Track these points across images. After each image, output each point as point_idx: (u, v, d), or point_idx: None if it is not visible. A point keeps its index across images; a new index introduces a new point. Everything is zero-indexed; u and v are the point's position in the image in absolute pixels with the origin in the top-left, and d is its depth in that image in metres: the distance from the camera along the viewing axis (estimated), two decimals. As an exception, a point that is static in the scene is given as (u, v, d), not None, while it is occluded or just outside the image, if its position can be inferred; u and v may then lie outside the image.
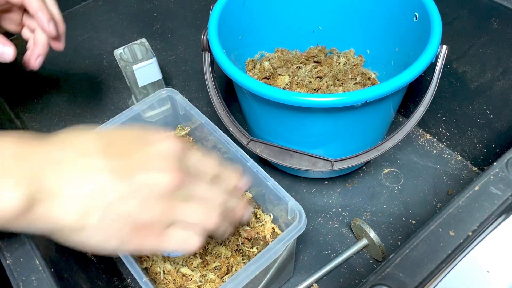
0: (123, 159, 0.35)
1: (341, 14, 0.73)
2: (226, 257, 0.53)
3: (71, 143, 0.35)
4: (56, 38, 0.60)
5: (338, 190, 0.72)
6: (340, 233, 0.67)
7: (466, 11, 0.62)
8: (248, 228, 0.55)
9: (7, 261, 0.41)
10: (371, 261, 0.64)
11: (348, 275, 0.63)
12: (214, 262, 0.53)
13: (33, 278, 0.40)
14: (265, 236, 0.55)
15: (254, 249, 0.54)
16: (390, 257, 0.39)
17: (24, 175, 0.32)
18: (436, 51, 0.53)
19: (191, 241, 0.38)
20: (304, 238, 0.67)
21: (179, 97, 0.62)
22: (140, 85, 0.74)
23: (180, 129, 0.66)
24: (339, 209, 0.70)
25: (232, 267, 0.53)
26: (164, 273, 0.52)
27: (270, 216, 0.56)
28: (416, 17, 0.59)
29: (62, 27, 0.60)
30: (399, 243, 0.66)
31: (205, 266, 0.53)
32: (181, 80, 0.93)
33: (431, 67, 0.55)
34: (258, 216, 0.57)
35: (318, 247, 0.66)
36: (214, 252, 0.54)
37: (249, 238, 0.55)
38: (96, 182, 0.34)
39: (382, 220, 0.68)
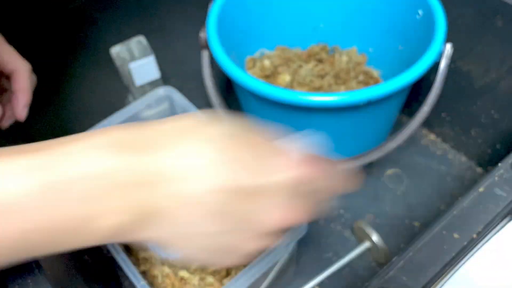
0: (245, 183, 0.30)
1: (343, 11, 0.72)
2: None
3: (186, 150, 0.29)
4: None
5: (339, 191, 0.72)
6: (342, 235, 0.67)
7: (471, 8, 0.62)
8: None
9: (1, 264, 0.41)
10: (373, 264, 0.64)
11: (350, 279, 0.62)
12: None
13: (29, 281, 0.40)
14: None
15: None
16: (393, 260, 0.39)
17: (133, 204, 0.28)
18: (440, 50, 0.52)
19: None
20: (305, 240, 0.66)
21: (177, 96, 0.61)
22: (137, 84, 0.74)
23: None
24: (341, 211, 0.69)
25: (231, 270, 0.52)
26: (163, 276, 0.52)
27: None
28: (420, 15, 0.59)
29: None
30: (402, 245, 0.65)
31: (204, 269, 0.53)
32: (180, 78, 0.92)
33: (435, 66, 0.54)
34: None
35: (319, 250, 0.65)
36: None
37: None
38: (201, 208, 0.29)
39: (385, 222, 0.67)
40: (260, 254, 0.43)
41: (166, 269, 0.52)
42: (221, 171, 0.29)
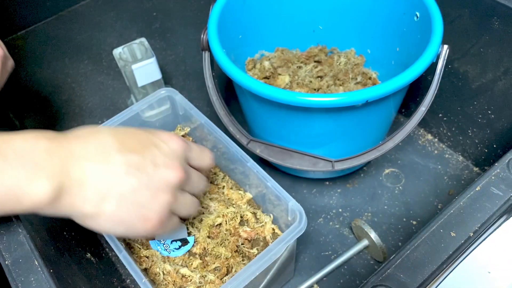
0: (136, 156, 0.40)
1: (341, 14, 0.72)
2: (226, 258, 0.53)
3: (91, 140, 0.40)
4: None
5: (338, 190, 0.72)
6: (340, 233, 0.67)
7: (467, 10, 0.62)
8: (248, 229, 0.55)
9: (6, 262, 0.41)
10: (371, 262, 0.64)
11: (348, 276, 0.63)
12: (214, 263, 0.53)
13: (32, 279, 0.40)
14: (265, 237, 0.55)
15: (254, 250, 0.54)
16: (391, 258, 0.39)
17: (54, 168, 0.37)
18: (437, 51, 0.53)
19: (174, 226, 0.46)
20: (305, 239, 0.67)
21: (178, 97, 0.61)
22: (139, 85, 0.74)
23: (180, 129, 0.66)
24: (340, 210, 0.70)
25: (232, 268, 0.53)
26: (164, 274, 0.52)
27: (270, 217, 0.56)
28: (417, 17, 0.59)
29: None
30: (400, 243, 0.65)
31: (204, 267, 0.53)
32: (181, 79, 0.92)
33: (432, 66, 0.55)
34: (258, 217, 0.57)
35: (318, 248, 0.66)
36: (214, 253, 0.54)
37: (249, 239, 0.55)
38: (114, 174, 0.39)
39: (383, 221, 0.68)
40: (173, 222, 0.45)
41: (168, 267, 0.52)
42: (121, 147, 0.40)
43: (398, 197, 0.71)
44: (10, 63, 0.59)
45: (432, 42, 0.53)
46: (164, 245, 0.53)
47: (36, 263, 0.41)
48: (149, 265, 0.53)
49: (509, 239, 0.43)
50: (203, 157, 0.48)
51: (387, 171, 0.74)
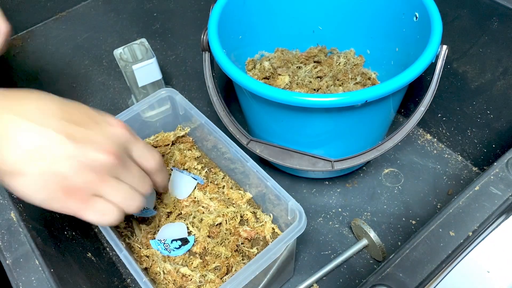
0: (77, 129, 0.39)
1: (341, 14, 0.73)
2: (226, 257, 0.53)
3: (34, 102, 0.39)
4: None
5: (338, 190, 0.72)
6: (340, 233, 0.67)
7: (467, 11, 0.62)
8: (248, 229, 0.55)
9: (7, 261, 0.41)
10: (371, 261, 0.64)
11: (348, 275, 0.63)
12: (214, 263, 0.53)
13: (32, 278, 0.40)
14: (265, 237, 0.55)
15: (254, 250, 0.54)
16: (390, 257, 0.39)
17: None
18: (436, 51, 0.53)
19: (108, 216, 0.42)
20: (304, 238, 0.67)
21: (179, 97, 0.62)
22: (140, 85, 0.74)
23: (180, 129, 0.66)
24: (339, 209, 0.70)
25: (232, 267, 0.53)
26: (164, 273, 0.52)
27: (270, 216, 0.56)
28: (417, 17, 0.59)
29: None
30: (399, 243, 0.66)
31: (205, 266, 0.53)
32: (181, 80, 0.93)
33: (431, 67, 0.55)
34: (258, 216, 0.57)
35: (318, 247, 0.66)
36: (214, 252, 0.54)
37: (249, 239, 0.55)
38: (48, 138, 0.37)
39: (382, 220, 0.68)
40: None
41: (168, 266, 0.52)
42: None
43: (397, 196, 0.71)
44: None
45: (431, 42, 0.53)
46: (165, 245, 0.54)
47: (37, 262, 0.41)
48: (150, 265, 0.53)
49: (508, 239, 0.43)
50: (147, 157, 0.46)
51: (386, 171, 0.74)
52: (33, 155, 0.37)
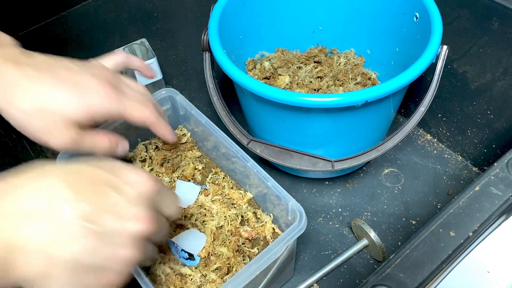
0: (91, 206, 0.33)
1: (341, 14, 0.73)
2: (227, 257, 0.53)
3: (35, 190, 0.33)
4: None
5: (338, 190, 0.72)
6: (340, 233, 0.67)
7: (467, 11, 0.62)
8: (249, 229, 0.55)
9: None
10: (371, 262, 0.64)
11: (348, 276, 0.63)
12: (216, 263, 0.53)
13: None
14: (265, 237, 0.55)
15: (255, 250, 0.55)
16: (391, 257, 0.39)
17: None
18: (436, 51, 0.53)
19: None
20: (304, 238, 0.67)
21: (179, 97, 0.62)
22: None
23: (181, 130, 0.66)
24: (340, 209, 0.70)
25: (232, 267, 0.53)
26: (165, 275, 0.52)
27: (271, 217, 0.56)
28: (417, 17, 0.59)
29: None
30: (399, 243, 0.66)
31: (206, 266, 0.53)
32: (181, 80, 0.93)
33: (432, 67, 0.55)
34: (258, 217, 0.57)
35: (318, 247, 0.66)
36: (216, 252, 0.54)
37: (250, 239, 0.55)
38: (64, 233, 0.32)
39: (382, 220, 0.68)
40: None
41: (167, 269, 0.53)
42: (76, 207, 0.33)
43: (397, 196, 0.71)
44: None
45: (432, 42, 0.53)
46: (176, 249, 0.54)
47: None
48: (150, 265, 0.53)
49: (508, 239, 0.43)
50: (171, 204, 0.41)
51: (386, 171, 0.74)
52: (55, 257, 0.32)
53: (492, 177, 0.43)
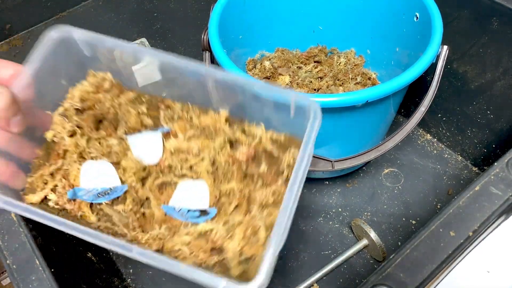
0: None
1: (341, 14, 0.73)
2: (239, 190, 0.44)
3: None
4: None
5: (338, 190, 0.72)
6: (340, 233, 0.67)
7: (467, 11, 0.62)
8: (244, 149, 0.46)
9: (7, 261, 0.41)
10: (371, 261, 0.64)
11: (348, 275, 0.63)
12: (231, 203, 0.44)
13: (33, 277, 0.40)
14: (266, 149, 0.46)
15: (263, 167, 0.45)
16: (391, 257, 0.39)
17: None
18: (437, 51, 0.53)
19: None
20: (304, 238, 0.67)
21: (77, 34, 0.45)
22: (140, 85, 0.74)
23: (94, 75, 0.50)
24: (339, 209, 0.70)
25: (249, 196, 0.44)
26: (186, 245, 0.43)
27: (261, 125, 0.47)
28: (417, 17, 0.59)
29: None
30: (399, 243, 0.66)
31: (221, 212, 0.44)
32: (181, 80, 0.92)
33: (432, 67, 0.55)
34: (247, 132, 0.47)
35: (318, 247, 0.66)
36: (224, 192, 0.45)
37: (250, 158, 0.46)
38: None
39: (382, 220, 0.68)
40: None
41: (185, 238, 0.43)
42: None
43: (397, 196, 0.71)
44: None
45: (432, 42, 0.53)
46: (180, 213, 0.44)
47: (37, 262, 0.41)
48: (161, 245, 0.44)
49: (508, 239, 0.43)
50: None
51: (386, 171, 0.74)
52: None
53: (492, 177, 0.43)
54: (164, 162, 0.46)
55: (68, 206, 0.44)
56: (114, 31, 1.05)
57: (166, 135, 0.47)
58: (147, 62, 0.73)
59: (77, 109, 0.47)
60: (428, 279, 0.38)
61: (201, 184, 0.45)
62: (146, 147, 0.47)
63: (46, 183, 0.45)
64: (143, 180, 0.46)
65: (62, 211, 0.45)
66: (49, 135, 0.46)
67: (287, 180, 0.44)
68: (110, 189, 0.45)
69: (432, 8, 0.56)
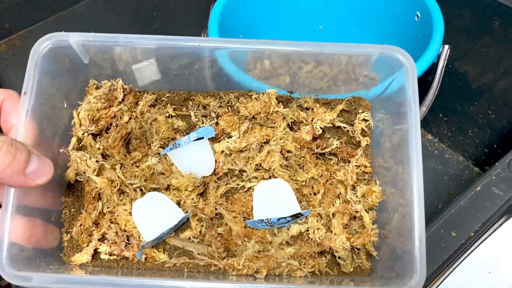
0: None
1: (342, 14, 0.72)
2: (319, 175, 0.39)
3: None
4: None
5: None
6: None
7: (468, 10, 0.62)
8: (306, 128, 0.40)
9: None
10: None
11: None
12: (317, 193, 0.39)
13: (32, 277, 0.40)
14: (330, 120, 0.41)
15: (335, 141, 0.41)
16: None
17: None
18: (438, 51, 0.53)
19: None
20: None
21: (72, 39, 0.40)
22: (139, 85, 0.74)
23: (105, 84, 0.45)
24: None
25: (332, 179, 0.40)
26: (293, 257, 0.38)
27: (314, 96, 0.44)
28: (418, 17, 0.59)
29: None
30: (400, 243, 0.65)
31: (311, 206, 0.39)
32: (181, 80, 0.92)
33: (433, 67, 0.55)
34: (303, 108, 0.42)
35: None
36: (305, 182, 0.40)
37: (317, 136, 0.41)
38: None
39: (383, 221, 0.68)
40: None
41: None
42: None
43: (398, 197, 0.71)
44: None
45: (433, 42, 0.53)
46: (267, 223, 0.38)
47: (37, 260, 0.41)
48: (261, 265, 0.38)
49: (510, 239, 0.43)
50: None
51: (387, 171, 0.74)
52: None
53: (493, 177, 0.43)
54: (221, 168, 0.40)
55: (127, 254, 0.39)
56: (114, 30, 1.05)
57: (211, 139, 0.41)
58: (147, 62, 0.73)
59: (93, 134, 0.40)
60: (430, 280, 0.38)
61: (281, 184, 0.39)
62: (194, 157, 0.40)
63: (91, 235, 0.39)
64: (202, 195, 0.41)
65: (121, 260, 0.39)
66: (71, 175, 0.39)
67: (367, 148, 0.40)
68: (176, 225, 0.39)
69: (433, 7, 0.56)
